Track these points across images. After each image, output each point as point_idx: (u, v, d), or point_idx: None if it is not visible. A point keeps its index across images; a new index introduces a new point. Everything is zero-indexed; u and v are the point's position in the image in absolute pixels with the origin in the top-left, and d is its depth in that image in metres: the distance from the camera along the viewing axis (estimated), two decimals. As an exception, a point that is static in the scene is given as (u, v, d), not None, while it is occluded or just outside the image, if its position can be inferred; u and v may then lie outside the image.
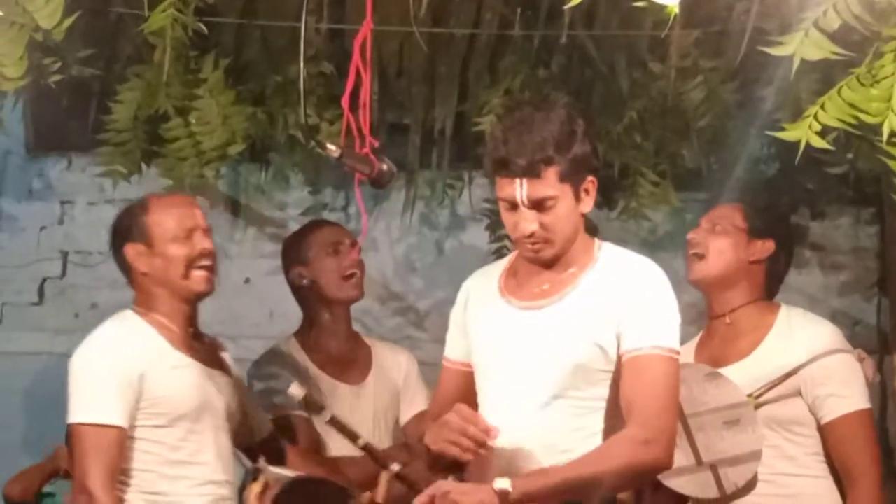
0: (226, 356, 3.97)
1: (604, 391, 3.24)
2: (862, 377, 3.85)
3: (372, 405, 4.30)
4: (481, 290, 3.43)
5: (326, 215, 5.35)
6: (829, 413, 3.78)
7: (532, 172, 3.20)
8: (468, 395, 3.38)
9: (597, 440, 3.21)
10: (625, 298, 3.23)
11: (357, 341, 4.40)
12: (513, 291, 3.35)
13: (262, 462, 3.75)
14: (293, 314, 5.21)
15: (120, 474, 3.64)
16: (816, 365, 3.80)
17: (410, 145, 5.08)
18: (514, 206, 3.24)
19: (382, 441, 3.99)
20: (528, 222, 3.23)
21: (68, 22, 3.83)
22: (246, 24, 4.71)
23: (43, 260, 5.60)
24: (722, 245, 3.95)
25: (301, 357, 4.35)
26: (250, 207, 5.53)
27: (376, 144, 3.37)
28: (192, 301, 3.81)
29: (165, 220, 3.77)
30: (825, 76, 3.75)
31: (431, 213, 5.41)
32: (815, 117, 3.37)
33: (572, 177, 3.23)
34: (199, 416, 3.72)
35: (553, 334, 3.25)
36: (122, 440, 3.63)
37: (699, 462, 3.75)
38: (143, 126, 4.71)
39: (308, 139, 4.31)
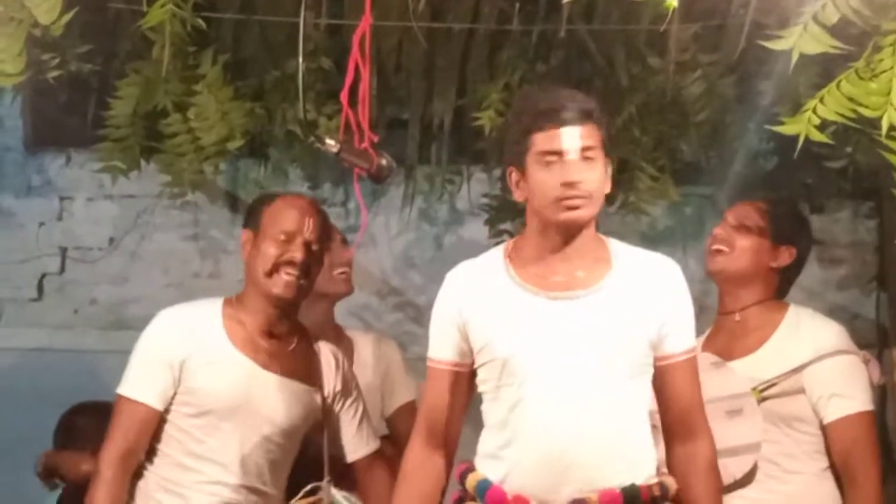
0: (330, 372, 3.88)
1: (646, 384, 3.27)
2: (866, 379, 3.86)
3: None
4: (483, 283, 3.29)
5: (326, 210, 5.35)
6: (832, 413, 3.79)
7: (581, 120, 3.20)
8: (462, 396, 3.32)
9: (641, 432, 3.25)
10: (667, 298, 3.27)
11: (339, 335, 4.33)
12: (534, 281, 3.24)
13: (325, 482, 3.74)
14: (292, 309, 5.21)
15: (146, 452, 3.69)
16: (822, 364, 3.80)
17: (409, 140, 5.08)
18: (557, 157, 3.18)
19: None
20: (577, 171, 3.17)
21: (67, 17, 3.83)
22: (244, 19, 4.70)
23: (42, 256, 5.60)
24: (747, 244, 3.95)
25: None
26: (249, 202, 5.52)
27: (375, 139, 3.37)
28: (275, 303, 3.75)
29: (274, 217, 3.75)
30: (824, 70, 3.75)
31: (430, 209, 5.41)
32: (815, 111, 3.38)
33: (604, 142, 3.25)
34: (230, 415, 3.69)
35: (597, 325, 3.20)
36: (150, 419, 3.68)
37: None
38: (141, 122, 4.70)
39: (307, 134, 4.31)
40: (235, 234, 5.49)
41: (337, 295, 4.33)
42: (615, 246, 3.32)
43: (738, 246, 3.95)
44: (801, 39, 3.33)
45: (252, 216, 3.82)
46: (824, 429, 3.82)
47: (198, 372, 3.69)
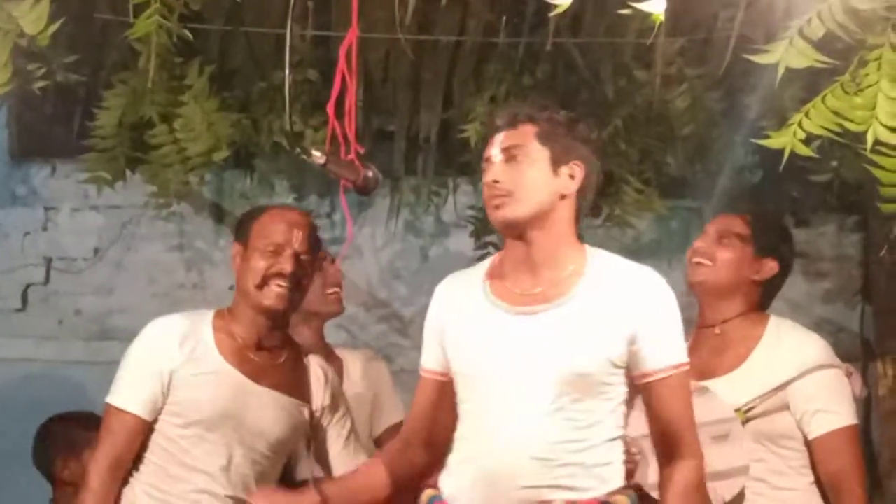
0: (319, 386, 3.86)
1: (606, 403, 3.16)
2: (849, 393, 3.84)
3: None
4: (461, 295, 3.30)
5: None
6: (817, 429, 3.76)
7: (511, 124, 3.21)
8: (444, 405, 3.30)
9: (596, 453, 3.14)
10: (640, 312, 3.16)
11: (329, 355, 4.30)
12: (501, 295, 3.23)
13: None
14: (277, 321, 5.19)
15: (135, 461, 3.69)
16: (805, 380, 3.78)
17: (395, 152, 5.09)
18: (488, 164, 3.22)
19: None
20: (496, 171, 3.18)
21: (53, 28, 3.82)
22: (231, 30, 4.71)
23: (27, 266, 5.58)
24: (729, 256, 3.91)
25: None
26: (235, 214, 5.51)
27: (361, 151, 3.37)
28: (265, 315, 3.74)
29: (263, 230, 3.74)
30: (810, 84, 3.76)
31: (416, 220, 5.41)
32: (800, 125, 3.38)
33: (552, 142, 3.19)
34: (218, 426, 3.68)
35: (552, 342, 3.14)
36: (138, 429, 3.68)
37: None
38: (127, 132, 4.70)
39: (293, 146, 4.31)
40: (220, 244, 5.50)
41: (328, 314, 4.34)
42: (594, 257, 3.25)
43: (720, 258, 3.91)
44: (786, 54, 3.33)
45: (241, 229, 3.82)
46: (809, 444, 3.79)
47: (187, 383, 3.68)
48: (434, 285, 3.38)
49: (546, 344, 3.14)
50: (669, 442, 3.19)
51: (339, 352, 4.38)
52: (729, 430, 3.73)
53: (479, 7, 4.59)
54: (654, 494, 3.67)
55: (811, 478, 3.82)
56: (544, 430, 3.12)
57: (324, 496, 3.28)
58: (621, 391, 3.18)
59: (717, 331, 3.91)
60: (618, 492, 3.17)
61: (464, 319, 3.27)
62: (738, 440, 3.74)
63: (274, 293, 3.71)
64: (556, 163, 3.19)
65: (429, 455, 3.34)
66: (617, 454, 3.19)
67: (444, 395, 3.30)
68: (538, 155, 3.18)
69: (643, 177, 4.89)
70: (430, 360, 3.35)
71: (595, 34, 4.57)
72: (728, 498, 3.73)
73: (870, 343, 5.23)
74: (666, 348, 3.18)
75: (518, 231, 3.20)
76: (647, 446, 3.66)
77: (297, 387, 3.81)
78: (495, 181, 3.17)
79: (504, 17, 4.63)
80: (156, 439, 3.70)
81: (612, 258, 3.27)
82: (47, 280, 5.59)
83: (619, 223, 4.96)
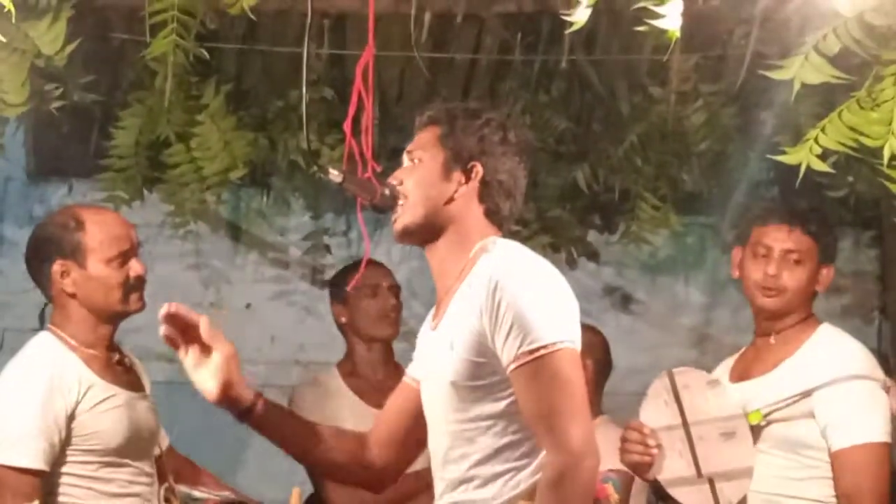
0: (141, 372, 3.86)
1: (488, 408, 2.95)
2: (885, 408, 3.67)
3: None
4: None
5: (327, 240, 5.36)
6: (840, 441, 3.62)
7: (419, 127, 3.14)
8: (408, 409, 3.20)
9: (492, 464, 2.95)
10: (485, 307, 2.89)
11: (397, 372, 4.29)
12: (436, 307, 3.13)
13: (170, 482, 3.78)
14: (294, 339, 5.23)
15: None
16: (834, 388, 3.64)
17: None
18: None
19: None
20: (396, 174, 3.11)
21: (70, 48, 3.86)
22: (247, 49, 4.72)
23: (44, 286, 5.59)
24: (799, 281, 3.78)
25: (338, 384, 4.52)
26: (251, 232, 5.53)
27: (378, 169, 3.37)
28: (121, 321, 3.72)
29: (102, 242, 3.65)
30: (825, 100, 3.76)
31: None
32: (816, 141, 3.38)
33: (452, 144, 3.06)
34: (128, 446, 3.63)
35: (437, 355, 3.02)
36: (43, 484, 3.52)
37: (699, 474, 3.65)
38: (144, 152, 4.71)
39: (310, 164, 4.32)
40: (237, 263, 5.51)
41: (383, 338, 4.55)
42: (482, 259, 3.01)
43: (790, 286, 3.77)
44: (802, 69, 3.34)
45: (60, 246, 3.66)
46: (831, 456, 3.65)
47: (90, 417, 3.58)
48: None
49: (435, 357, 3.05)
50: (536, 433, 2.90)
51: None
52: (735, 427, 3.67)
53: (494, 25, 4.60)
54: (674, 491, 3.68)
55: (830, 491, 3.68)
56: (445, 444, 3.03)
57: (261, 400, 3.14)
58: (504, 393, 2.94)
59: (771, 340, 3.82)
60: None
61: (421, 334, 3.23)
62: (744, 439, 3.66)
63: (137, 298, 3.70)
64: (449, 165, 3.06)
65: (380, 453, 3.23)
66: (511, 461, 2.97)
67: (410, 400, 3.21)
68: (433, 157, 3.07)
69: (659, 193, 4.89)
70: (412, 365, 3.27)
71: (610, 51, 4.57)
72: (734, 500, 3.66)
73: (888, 359, 5.21)
74: (514, 338, 2.86)
75: (413, 240, 3.12)
76: (667, 440, 3.67)
77: (137, 381, 3.80)
78: (394, 185, 3.10)
79: (519, 35, 4.64)
80: (67, 482, 3.58)
81: (500, 254, 3.01)
82: (65, 299, 5.60)
83: (635, 239, 4.96)
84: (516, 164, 3.10)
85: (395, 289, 4.63)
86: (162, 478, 3.78)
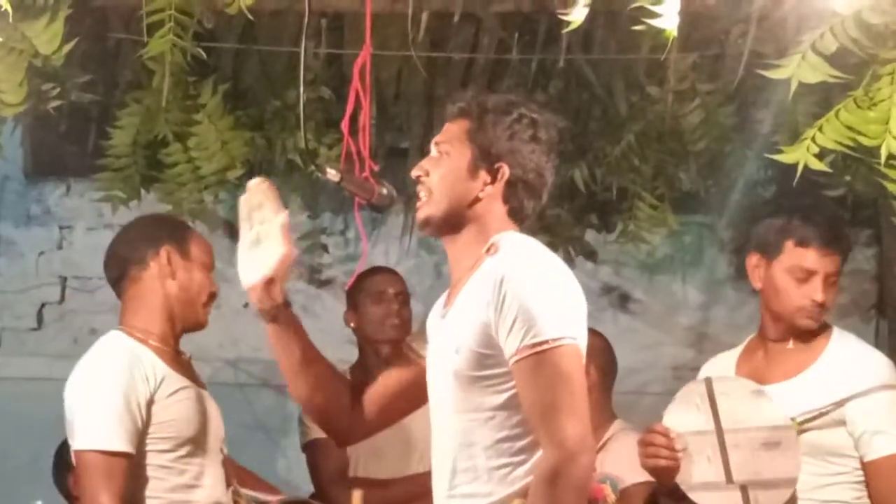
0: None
1: (489, 400, 2.94)
2: None
3: (418, 436, 4.33)
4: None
5: (325, 239, 5.35)
6: (876, 451, 3.63)
7: (451, 118, 3.12)
8: (412, 378, 3.21)
9: (490, 456, 2.93)
10: (491, 299, 2.89)
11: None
12: (446, 296, 3.14)
13: (235, 484, 3.80)
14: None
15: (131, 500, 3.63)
16: (868, 399, 3.63)
17: (409, 169, 5.06)
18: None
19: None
20: (422, 164, 3.11)
21: (67, 47, 3.85)
22: (244, 49, 4.72)
23: (42, 285, 5.60)
24: (835, 298, 3.79)
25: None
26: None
27: (376, 168, 3.37)
28: (190, 330, 3.84)
29: (202, 245, 3.86)
30: (823, 99, 3.76)
31: (430, 237, 5.40)
32: (813, 140, 3.39)
33: (480, 140, 3.03)
34: (201, 438, 3.72)
35: (445, 344, 3.02)
36: (131, 467, 3.61)
37: (729, 480, 3.63)
38: (142, 151, 4.71)
39: (307, 163, 4.32)
40: (235, 262, 5.49)
41: (389, 341, 4.58)
42: (497, 253, 3.01)
43: (828, 305, 3.75)
44: (799, 68, 3.34)
45: (172, 234, 3.83)
46: (865, 466, 3.65)
47: (166, 406, 3.67)
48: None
49: (441, 347, 3.05)
50: (534, 428, 2.89)
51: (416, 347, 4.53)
52: (782, 438, 3.61)
53: (491, 24, 4.60)
54: (696, 496, 3.67)
55: (861, 500, 3.68)
56: (448, 436, 3.02)
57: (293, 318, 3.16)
58: (505, 386, 2.93)
59: (790, 345, 3.78)
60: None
61: (431, 314, 3.22)
62: (790, 450, 3.61)
63: (208, 313, 3.86)
64: (476, 164, 3.04)
65: (365, 408, 3.23)
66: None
67: (414, 373, 3.20)
68: (462, 153, 3.06)
69: (656, 192, 4.89)
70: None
71: (607, 50, 4.57)
72: None
73: (885, 358, 5.21)
74: (516, 332, 2.86)
75: (433, 231, 3.12)
76: (694, 445, 3.66)
77: (201, 380, 3.88)
78: (418, 176, 3.10)
79: (516, 34, 4.64)
80: (145, 472, 3.65)
81: (512, 246, 3.02)
82: (62, 299, 5.61)
83: (632, 238, 4.95)
84: (544, 163, 3.08)
85: (402, 295, 4.67)
86: (228, 480, 3.82)
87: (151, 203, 4.84)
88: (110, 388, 3.63)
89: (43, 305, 5.58)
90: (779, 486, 3.63)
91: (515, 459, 2.94)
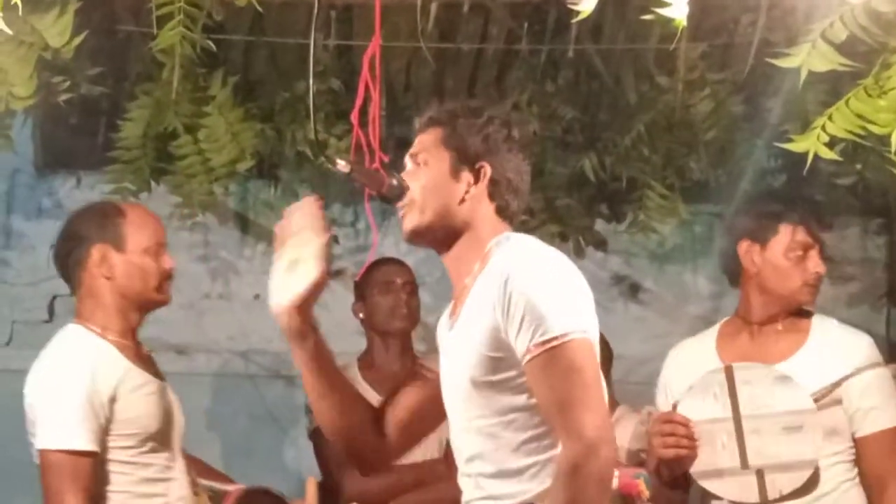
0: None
1: (508, 403, 2.93)
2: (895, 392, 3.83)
3: None
4: None
5: (335, 231, 5.35)
6: (870, 426, 3.77)
7: (421, 129, 3.11)
8: (430, 399, 3.16)
9: (516, 458, 2.93)
10: (501, 299, 2.88)
11: (414, 365, 4.51)
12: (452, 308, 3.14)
13: (193, 476, 3.81)
14: (303, 330, 5.21)
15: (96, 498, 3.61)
16: (862, 376, 3.77)
17: (419, 160, 5.09)
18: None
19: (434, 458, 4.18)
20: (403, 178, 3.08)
21: (77, 40, 3.86)
22: (254, 41, 4.72)
23: (53, 278, 5.52)
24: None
25: (354, 375, 4.53)
26: (259, 223, 5.53)
27: (386, 160, 3.37)
28: (149, 311, 3.81)
29: (141, 229, 3.76)
30: (833, 87, 3.76)
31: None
32: (823, 128, 3.38)
33: (456, 145, 3.04)
34: (164, 432, 3.71)
35: (455, 353, 3.01)
36: (97, 465, 3.60)
37: (744, 465, 3.71)
38: (152, 143, 4.71)
39: (317, 155, 4.32)
40: (245, 254, 5.52)
41: (396, 331, 4.67)
42: (495, 254, 3.00)
43: (821, 279, 3.93)
44: (809, 57, 3.33)
45: (102, 231, 3.76)
46: (858, 442, 3.79)
47: (130, 401, 3.64)
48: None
49: (452, 357, 3.04)
50: (552, 424, 2.88)
51: (426, 364, 4.55)
52: (804, 421, 3.71)
53: (500, 14, 4.60)
54: (706, 483, 3.69)
55: (854, 475, 3.81)
56: (470, 442, 3.01)
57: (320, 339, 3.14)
58: (523, 386, 2.91)
59: (779, 327, 3.88)
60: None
61: (439, 325, 3.21)
62: (811, 433, 3.71)
63: (168, 290, 3.79)
64: (456, 167, 3.04)
65: (390, 433, 3.20)
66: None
67: (433, 394, 3.15)
68: (439, 160, 3.05)
69: (666, 182, 4.89)
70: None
71: (616, 40, 4.57)
72: (786, 491, 3.70)
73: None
74: (526, 330, 2.86)
75: (423, 241, 3.12)
76: (708, 432, 3.68)
77: (160, 371, 3.85)
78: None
79: (526, 25, 4.64)
80: (110, 468, 3.64)
81: (511, 248, 3.00)
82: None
83: (642, 228, 4.95)
84: (521, 161, 3.09)
85: (410, 285, 4.72)
86: (188, 471, 3.83)
87: (162, 195, 4.85)
88: (73, 385, 3.60)
89: (54, 298, 5.58)
90: (797, 469, 3.71)
91: (542, 457, 2.92)
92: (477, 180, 3.05)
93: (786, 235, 3.85)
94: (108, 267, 3.73)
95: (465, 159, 3.05)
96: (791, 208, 3.88)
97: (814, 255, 3.86)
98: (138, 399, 3.66)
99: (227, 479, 4.11)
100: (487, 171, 3.04)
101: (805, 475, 3.71)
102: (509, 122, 3.11)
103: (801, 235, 3.85)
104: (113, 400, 3.62)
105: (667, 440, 3.71)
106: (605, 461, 2.83)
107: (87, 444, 3.57)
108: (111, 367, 3.65)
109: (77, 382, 3.60)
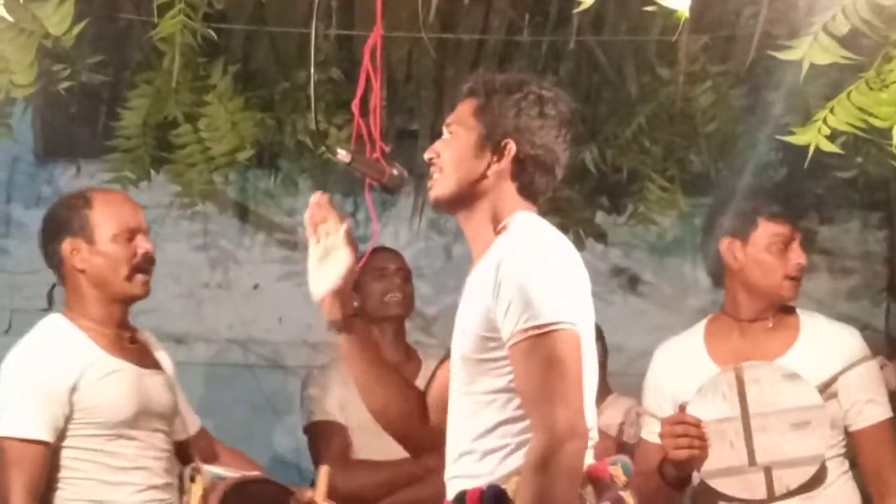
0: (160, 354, 3.92)
1: (491, 383, 2.93)
2: (884, 384, 3.86)
3: None
4: None
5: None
6: (866, 419, 3.80)
7: (462, 98, 3.14)
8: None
9: (490, 438, 2.93)
10: (494, 283, 2.89)
11: (408, 354, 4.60)
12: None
13: (197, 462, 3.79)
14: (302, 319, 5.22)
15: (57, 484, 3.62)
16: (857, 370, 3.80)
17: (419, 150, 5.07)
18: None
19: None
20: (434, 146, 3.12)
21: (77, 28, 3.85)
22: (255, 30, 4.71)
23: (52, 266, 5.59)
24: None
25: None
26: (259, 213, 5.54)
27: (386, 149, 3.37)
28: (127, 304, 3.80)
29: (109, 218, 3.75)
30: (834, 80, 3.75)
31: (440, 219, 5.41)
32: (825, 121, 3.38)
33: (487, 118, 3.05)
34: (136, 420, 3.68)
35: (457, 327, 3.04)
36: (47, 455, 3.59)
37: (752, 462, 3.73)
38: (152, 132, 4.71)
39: (318, 145, 4.32)
40: (245, 243, 5.52)
41: (388, 318, 4.62)
42: (506, 233, 3.02)
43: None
44: (811, 50, 3.33)
45: (70, 224, 3.77)
46: (854, 435, 3.82)
47: (95, 390, 3.63)
48: (457, 284, 3.37)
49: (458, 328, 3.05)
50: (528, 412, 2.88)
51: (420, 354, 4.67)
52: (812, 417, 3.73)
53: (502, 5, 4.59)
54: (715, 482, 3.70)
55: (847, 467, 3.83)
56: (457, 417, 3.02)
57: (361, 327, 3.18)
58: (506, 369, 2.92)
59: (770, 324, 3.89)
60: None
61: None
62: (819, 428, 3.73)
63: (142, 280, 3.77)
64: (482, 141, 3.05)
65: (433, 416, 3.20)
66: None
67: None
68: (470, 131, 3.07)
69: (667, 174, 4.89)
70: None
71: (618, 32, 4.57)
72: (793, 486, 3.72)
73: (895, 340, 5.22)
74: (512, 316, 2.87)
75: (446, 210, 3.16)
76: (717, 432, 3.69)
77: (154, 360, 3.85)
78: (431, 158, 3.11)
79: (527, 15, 4.63)
80: (76, 456, 3.64)
81: (519, 228, 3.02)
82: (73, 280, 5.60)
83: (643, 220, 4.96)
84: (554, 138, 3.08)
85: (403, 272, 4.70)
86: (188, 458, 3.82)
87: (162, 184, 4.85)
88: (30, 374, 3.63)
89: (53, 287, 5.55)
90: (804, 464, 3.73)
91: (516, 441, 2.92)
92: (500, 158, 3.05)
93: (766, 228, 3.87)
94: (80, 259, 3.75)
95: (491, 135, 3.05)
96: (769, 201, 3.91)
97: (795, 246, 3.87)
98: (105, 387, 3.65)
99: (254, 467, 4.08)
100: (512, 148, 3.04)
101: (811, 470, 3.73)
102: (544, 97, 3.09)
103: (781, 227, 3.86)
104: (73, 389, 3.61)
105: (679, 441, 3.72)
106: (574, 455, 2.84)
107: (37, 433, 3.58)
108: (76, 356, 3.65)
109: (34, 371, 3.63)
